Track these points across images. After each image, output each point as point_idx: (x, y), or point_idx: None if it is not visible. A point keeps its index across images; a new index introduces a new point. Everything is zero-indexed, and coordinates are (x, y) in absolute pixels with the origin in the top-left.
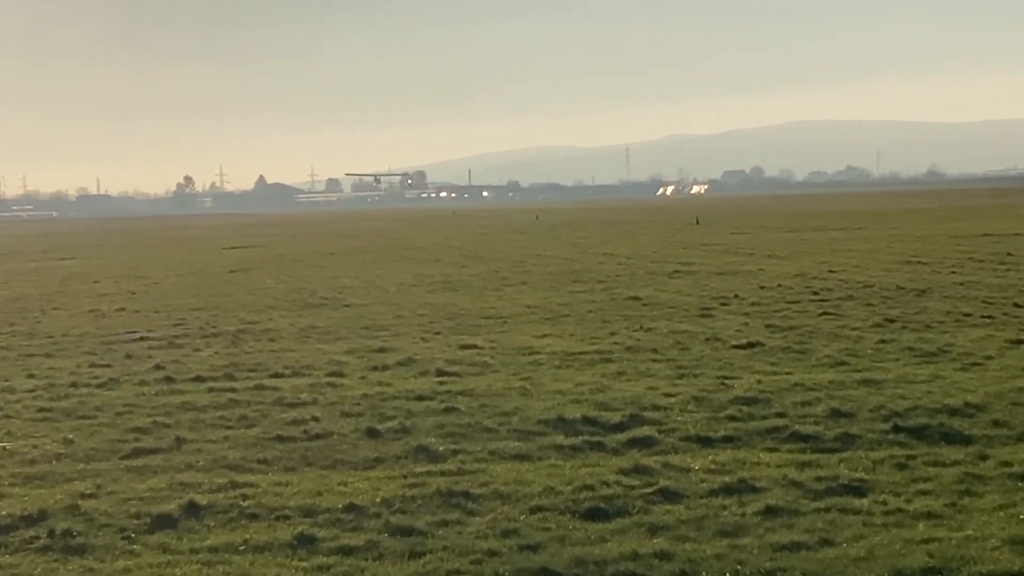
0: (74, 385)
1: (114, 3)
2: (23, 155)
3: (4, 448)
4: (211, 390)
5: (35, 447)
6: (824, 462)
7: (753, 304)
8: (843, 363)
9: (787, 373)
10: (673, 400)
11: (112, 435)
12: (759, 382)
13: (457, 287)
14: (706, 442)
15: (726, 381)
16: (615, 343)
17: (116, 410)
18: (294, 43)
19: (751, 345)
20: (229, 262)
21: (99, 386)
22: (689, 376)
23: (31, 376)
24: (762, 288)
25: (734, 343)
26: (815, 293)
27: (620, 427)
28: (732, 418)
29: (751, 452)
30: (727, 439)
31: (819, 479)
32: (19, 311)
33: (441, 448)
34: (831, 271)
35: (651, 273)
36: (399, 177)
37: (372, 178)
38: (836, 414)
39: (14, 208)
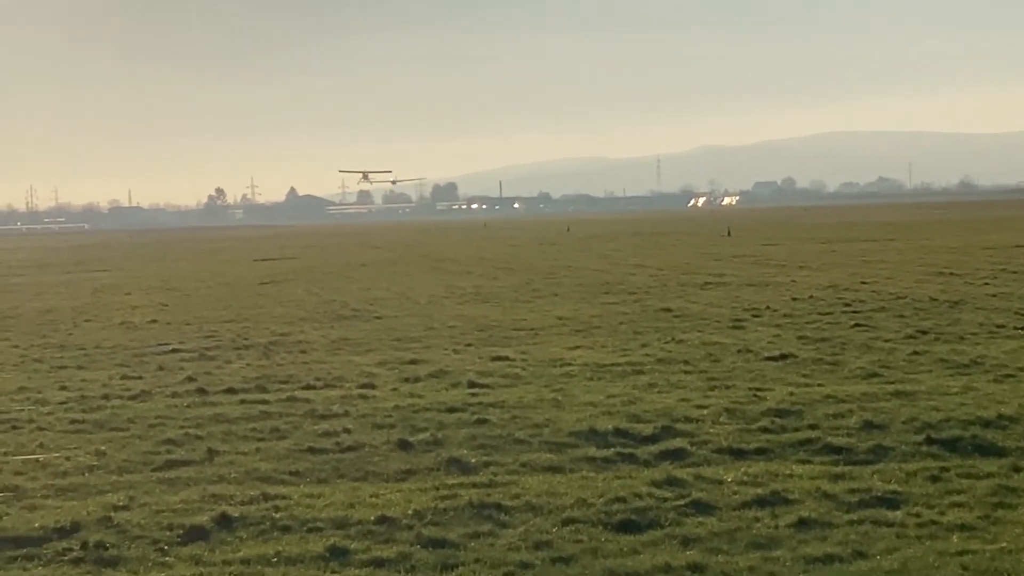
0: (106, 397)
1: (145, 17)
2: (55, 168)
3: (37, 460)
4: (243, 402)
5: (68, 459)
6: (857, 474)
7: (785, 316)
8: (876, 375)
9: (819, 385)
10: (705, 412)
11: (144, 447)
12: (791, 394)
13: (488, 299)
14: (738, 454)
15: (758, 393)
16: (647, 355)
17: (148, 422)
18: (325, 55)
19: (783, 357)
20: (260, 274)
21: (131, 398)
22: (721, 388)
23: (63, 388)
24: (794, 300)
25: (766, 355)
26: (847, 305)
27: (652, 439)
28: (764, 430)
29: (784, 464)
30: (760, 451)
31: (852, 491)
32: (51, 323)
33: (473, 460)
34: (863, 282)
35: (683, 285)
36: (389, 176)
37: (361, 175)
38: (869, 426)
39: (46, 220)
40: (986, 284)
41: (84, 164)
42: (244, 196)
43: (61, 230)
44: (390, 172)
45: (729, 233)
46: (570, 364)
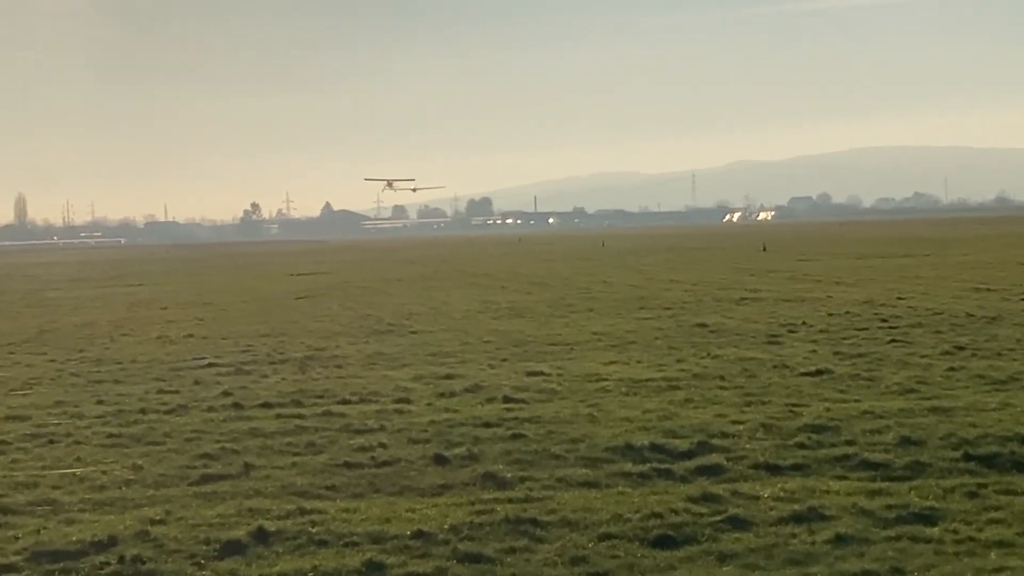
0: (143, 411)
1: (181, 31)
2: (91, 183)
3: (74, 474)
4: (279, 416)
5: (104, 473)
6: (894, 490)
7: (821, 331)
8: (912, 391)
9: (856, 401)
10: (741, 427)
11: (181, 461)
12: (828, 409)
13: (523, 314)
14: (775, 470)
15: (794, 408)
16: (682, 370)
17: (185, 436)
18: (360, 70)
19: (819, 372)
20: (296, 289)
21: (168, 412)
22: (757, 403)
23: (100, 402)
24: (830, 315)
25: (802, 370)
26: (883, 320)
27: (688, 454)
28: (801, 446)
29: (820, 480)
30: (796, 467)
31: (889, 507)
32: (88, 337)
33: (508, 475)
34: (899, 298)
35: (718, 300)
36: (411, 184)
37: (386, 183)
38: (906, 442)
39: (83, 235)
40: (1023, 300)
41: (120, 179)
42: (279, 211)
43: (97, 244)
44: (413, 180)
45: (764, 248)
46: (606, 379)
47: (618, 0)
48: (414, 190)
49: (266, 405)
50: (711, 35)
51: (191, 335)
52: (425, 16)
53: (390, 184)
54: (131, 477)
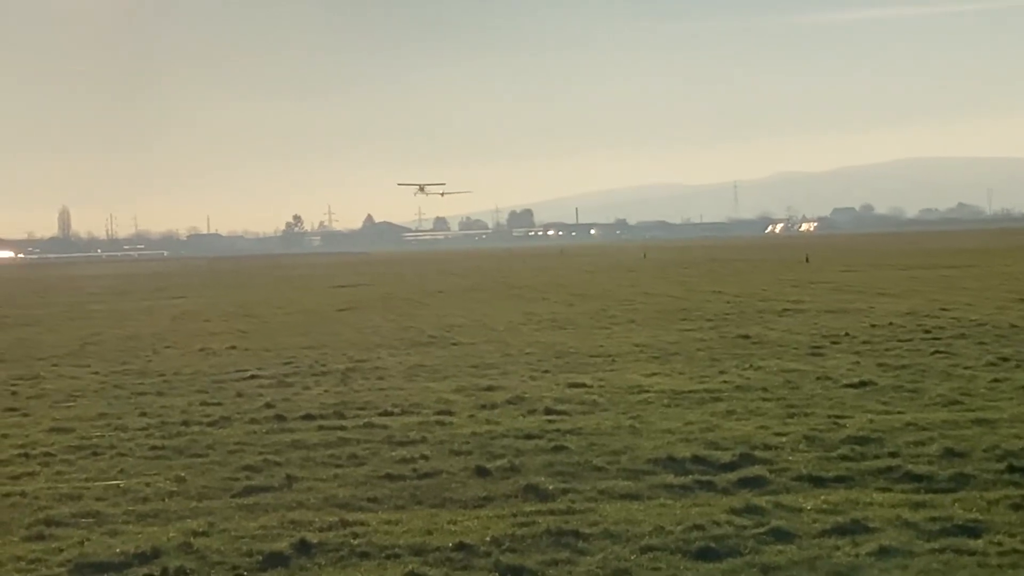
0: (186, 423)
1: (222, 42)
2: (135, 195)
3: (118, 486)
4: (321, 428)
5: (148, 485)
6: (938, 502)
7: (864, 343)
8: (956, 402)
9: (899, 412)
10: (784, 439)
11: (224, 473)
12: (871, 421)
13: (565, 326)
14: (818, 482)
15: (838, 420)
16: (724, 382)
17: (227, 448)
18: (402, 82)
19: (863, 384)
20: (338, 301)
21: (210, 424)
22: (800, 415)
23: (144, 414)
24: (873, 326)
25: (845, 382)
26: (927, 331)
27: (730, 466)
28: (844, 458)
29: (864, 492)
30: (839, 479)
31: (933, 519)
32: (131, 350)
33: (550, 487)
34: (943, 309)
35: (760, 311)
36: (441, 187)
37: (417, 187)
38: (950, 454)
39: (126, 248)
40: None
41: (163, 191)
42: (321, 223)
43: (140, 257)
44: (443, 184)
45: (808, 260)
46: (648, 391)
47: (659, 7)
48: (442, 194)
49: (308, 417)
50: (754, 44)
51: (234, 347)
52: (467, 25)
53: (422, 188)
54: (174, 489)
